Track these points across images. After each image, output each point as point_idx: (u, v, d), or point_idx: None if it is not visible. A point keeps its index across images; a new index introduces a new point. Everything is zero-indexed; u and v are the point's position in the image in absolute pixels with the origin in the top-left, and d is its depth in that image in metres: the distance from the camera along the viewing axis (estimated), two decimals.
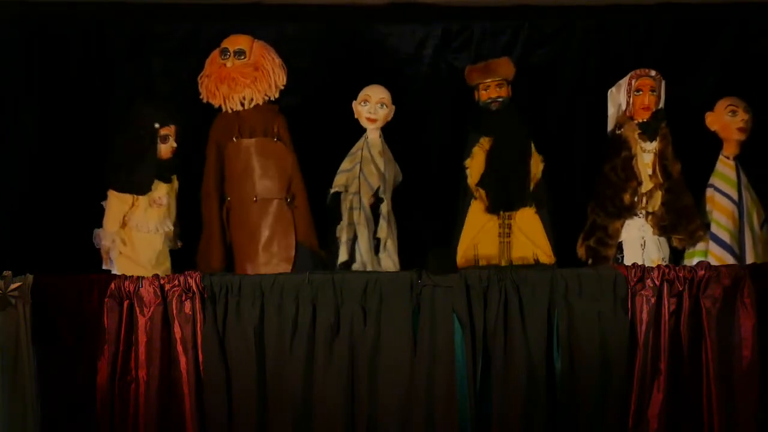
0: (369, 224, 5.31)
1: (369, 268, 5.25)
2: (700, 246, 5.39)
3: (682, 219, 5.36)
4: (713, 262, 5.20)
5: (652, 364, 4.91)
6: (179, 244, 5.42)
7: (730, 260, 5.30)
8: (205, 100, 5.38)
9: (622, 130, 5.44)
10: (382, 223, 5.34)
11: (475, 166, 5.45)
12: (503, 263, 5.36)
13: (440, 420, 4.84)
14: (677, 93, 5.59)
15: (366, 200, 5.34)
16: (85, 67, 5.76)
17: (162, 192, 5.27)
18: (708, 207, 5.44)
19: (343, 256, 5.26)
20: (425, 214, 5.75)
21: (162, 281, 4.91)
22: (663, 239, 5.40)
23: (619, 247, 5.40)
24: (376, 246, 5.33)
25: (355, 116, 5.45)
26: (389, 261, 5.31)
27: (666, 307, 4.93)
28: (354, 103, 5.44)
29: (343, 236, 5.29)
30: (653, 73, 5.44)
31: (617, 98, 5.51)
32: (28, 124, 5.70)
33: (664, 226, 5.37)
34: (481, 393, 4.88)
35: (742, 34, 5.90)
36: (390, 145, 5.46)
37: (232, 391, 4.90)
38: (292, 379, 4.89)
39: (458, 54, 5.92)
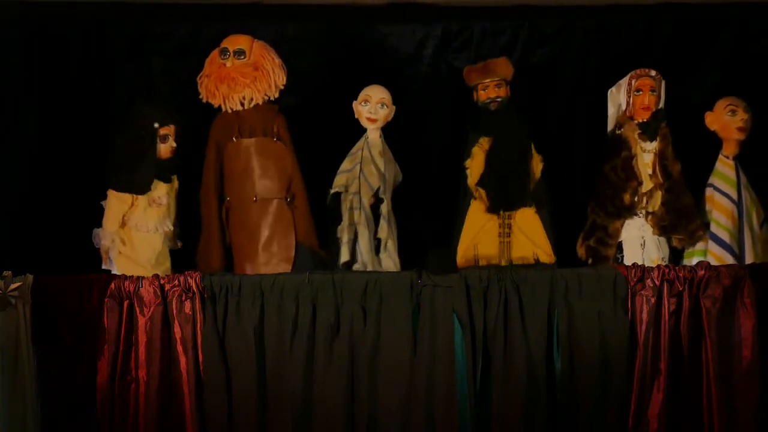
0: (369, 224, 5.32)
1: (370, 268, 5.25)
2: (700, 245, 5.39)
3: (682, 219, 5.36)
4: (713, 261, 5.20)
5: (652, 364, 4.91)
6: (179, 244, 5.42)
7: (729, 260, 5.30)
8: (204, 100, 5.38)
9: (622, 130, 5.44)
10: (383, 224, 5.34)
11: (475, 166, 5.45)
12: (503, 263, 5.36)
13: (440, 420, 4.84)
14: (677, 93, 5.59)
15: (366, 200, 5.34)
16: (85, 67, 5.76)
17: (161, 192, 5.27)
18: (707, 206, 5.44)
19: (344, 256, 5.26)
20: (425, 214, 5.75)
21: (162, 281, 4.91)
22: (663, 239, 5.40)
23: (619, 247, 5.41)
24: (376, 246, 5.33)
25: (356, 116, 5.45)
26: (390, 261, 5.31)
27: (666, 307, 4.93)
28: (354, 103, 5.44)
29: (345, 236, 5.29)
30: (653, 73, 5.45)
31: (617, 98, 5.51)
32: (28, 124, 5.70)
33: (664, 226, 5.37)
34: (481, 393, 4.88)
35: (742, 34, 5.91)
36: (390, 145, 5.46)
37: (232, 391, 4.90)
38: (292, 379, 4.89)
39: (458, 54, 5.92)
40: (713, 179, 5.46)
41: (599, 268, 5.12)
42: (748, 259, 5.35)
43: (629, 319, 4.92)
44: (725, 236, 5.38)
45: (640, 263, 5.08)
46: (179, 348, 4.90)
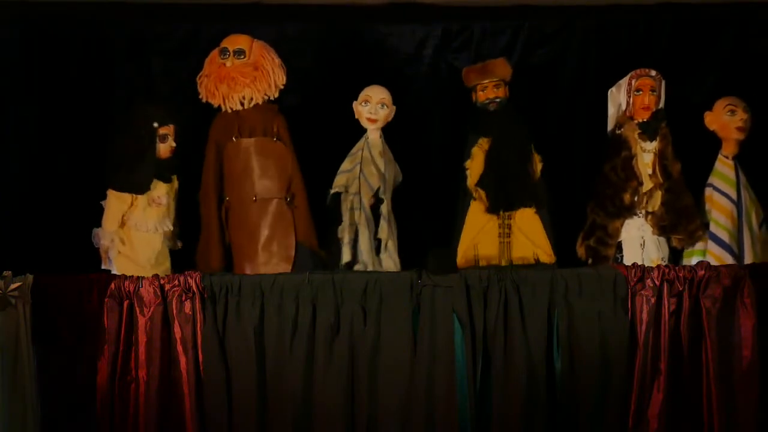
0: (369, 225, 5.31)
1: (370, 269, 5.25)
2: (699, 245, 5.40)
3: (681, 219, 5.36)
4: (712, 261, 5.20)
5: (652, 364, 4.91)
6: (179, 244, 5.42)
7: (728, 260, 5.30)
8: (204, 100, 5.38)
9: (622, 129, 5.44)
10: (383, 224, 5.34)
11: (474, 166, 5.45)
12: (503, 263, 5.36)
13: (440, 420, 4.84)
14: (677, 93, 5.59)
15: (366, 201, 5.34)
16: (85, 67, 5.76)
17: (161, 191, 5.27)
18: (707, 206, 5.44)
19: (346, 256, 5.26)
20: (425, 214, 5.75)
21: (162, 281, 4.91)
22: (662, 239, 5.40)
23: (619, 247, 5.41)
24: (376, 246, 5.33)
25: (356, 116, 5.45)
26: (390, 261, 5.31)
27: (666, 307, 4.93)
28: (354, 104, 5.44)
29: (346, 237, 5.28)
30: (653, 73, 5.45)
31: (617, 98, 5.51)
32: (28, 124, 5.70)
33: (663, 226, 5.37)
34: (481, 393, 4.87)
35: (742, 34, 5.91)
36: (390, 145, 5.46)
37: (232, 391, 4.90)
38: (292, 379, 4.88)
39: (458, 54, 5.92)
40: (712, 179, 5.46)
41: (599, 268, 5.12)
42: (748, 259, 5.35)
43: (629, 319, 4.92)
44: (724, 236, 5.38)
45: (639, 263, 5.08)
46: (179, 348, 4.90)
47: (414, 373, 4.87)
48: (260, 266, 5.27)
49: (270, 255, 5.30)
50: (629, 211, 5.39)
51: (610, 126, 5.54)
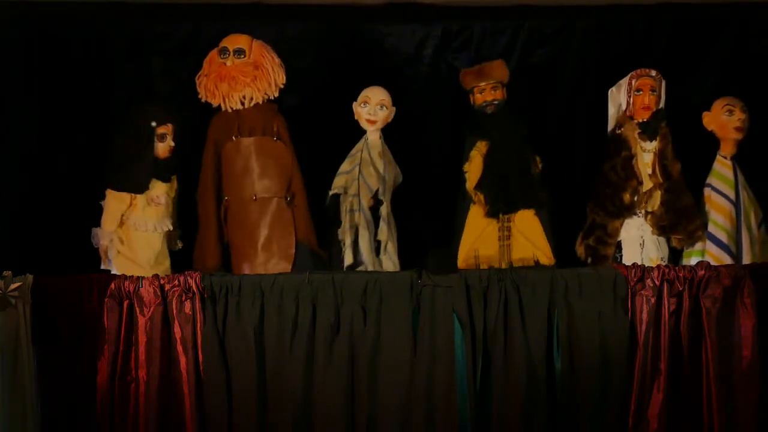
0: (369, 226, 5.31)
1: (370, 270, 5.25)
2: (698, 245, 5.40)
3: (681, 219, 5.36)
4: (710, 261, 5.19)
5: (652, 364, 4.91)
6: (179, 245, 5.41)
7: (727, 260, 5.31)
8: (203, 100, 5.38)
9: (622, 129, 5.44)
10: (382, 225, 5.34)
11: (473, 169, 5.44)
12: (503, 266, 5.35)
13: (440, 420, 4.83)
14: (677, 93, 5.59)
15: (365, 202, 5.34)
16: (85, 67, 5.76)
17: (160, 191, 5.26)
18: (705, 207, 5.44)
19: (348, 259, 5.26)
20: (425, 214, 5.75)
21: (162, 281, 4.91)
22: (662, 239, 5.40)
23: (618, 246, 5.41)
24: (376, 248, 5.32)
25: (355, 117, 5.45)
26: (390, 263, 5.31)
27: (666, 307, 4.92)
28: (354, 105, 5.44)
29: (347, 239, 5.28)
30: (654, 72, 5.45)
31: (617, 98, 5.51)
32: (28, 124, 5.70)
33: (663, 226, 5.37)
34: (481, 393, 4.87)
35: (742, 34, 5.91)
36: (390, 145, 5.46)
37: (232, 391, 4.90)
38: (292, 379, 4.88)
39: (458, 54, 5.92)
40: (711, 179, 5.47)
41: (599, 268, 5.12)
42: (746, 259, 5.35)
43: (629, 319, 4.92)
44: (723, 236, 5.38)
45: (639, 263, 5.08)
46: (179, 348, 4.89)
47: (414, 373, 4.87)
48: (260, 266, 5.27)
49: (270, 254, 5.30)
50: (629, 210, 5.39)
51: (610, 126, 5.54)
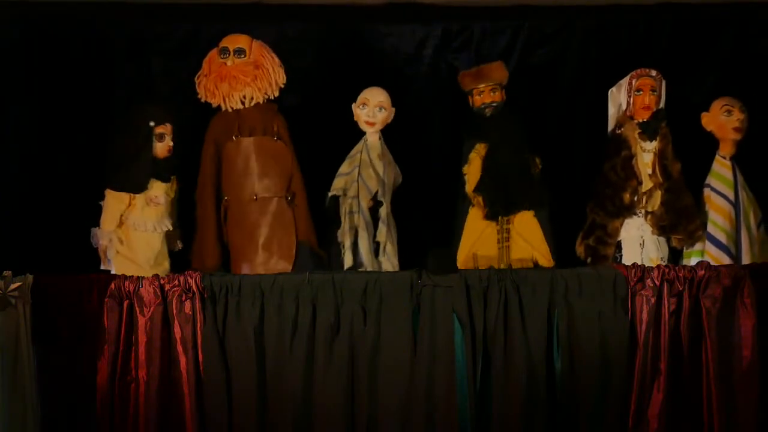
0: (368, 228, 5.31)
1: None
2: (697, 246, 5.40)
3: (681, 219, 5.36)
4: (710, 262, 5.19)
5: (652, 364, 4.91)
6: (180, 245, 5.41)
7: (726, 261, 5.30)
8: (203, 100, 5.38)
9: (623, 129, 5.44)
10: (381, 227, 5.33)
11: (472, 172, 5.44)
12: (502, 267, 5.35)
13: (440, 420, 4.83)
14: (677, 93, 5.59)
15: (365, 204, 5.33)
16: (85, 67, 5.76)
17: (159, 191, 5.25)
18: (705, 207, 5.44)
19: (348, 261, 5.25)
20: (425, 214, 5.75)
21: (162, 281, 4.91)
22: (662, 239, 5.40)
23: (618, 246, 5.41)
24: (375, 249, 5.32)
25: (355, 119, 5.44)
26: (389, 265, 5.30)
27: (666, 307, 4.92)
28: (353, 106, 5.43)
29: (346, 241, 5.28)
30: (654, 72, 5.45)
31: (618, 98, 5.51)
32: (28, 124, 5.70)
33: (663, 226, 5.37)
34: (481, 393, 4.87)
35: (742, 34, 5.91)
36: (390, 145, 5.46)
37: (232, 391, 4.90)
38: (292, 379, 4.88)
39: (458, 54, 5.92)
40: (710, 180, 5.47)
41: (599, 268, 5.12)
42: (745, 260, 5.35)
43: (629, 319, 4.92)
44: (722, 237, 5.38)
45: (638, 263, 5.08)
46: (179, 348, 4.89)
47: (414, 373, 4.87)
48: (260, 265, 5.27)
49: (270, 254, 5.30)
50: (629, 210, 5.39)
51: (610, 126, 5.54)
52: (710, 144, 5.50)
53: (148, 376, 4.87)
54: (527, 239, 5.39)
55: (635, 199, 5.38)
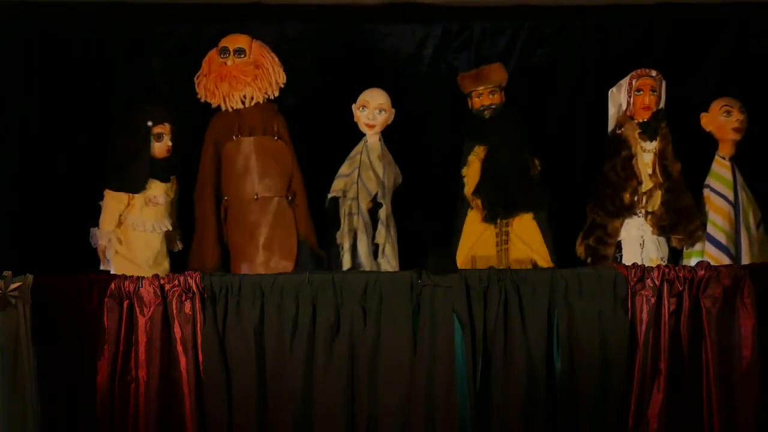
0: (368, 230, 5.31)
1: None
2: (697, 246, 5.40)
3: (681, 219, 5.36)
4: (709, 263, 5.19)
5: (652, 364, 4.91)
6: (180, 245, 5.41)
7: (725, 261, 5.30)
8: (203, 100, 5.38)
9: (623, 129, 5.44)
10: (381, 229, 5.33)
11: (471, 174, 5.44)
12: None
13: (440, 420, 4.83)
14: (677, 93, 5.59)
15: (364, 206, 5.33)
16: (85, 67, 5.76)
17: (158, 191, 5.25)
18: (705, 207, 5.44)
19: (347, 263, 5.25)
20: (425, 214, 5.75)
21: (162, 281, 4.91)
22: (662, 239, 5.40)
23: (618, 246, 5.41)
24: (374, 251, 5.32)
25: (355, 120, 5.44)
26: (388, 266, 5.30)
27: (666, 307, 4.92)
28: (353, 107, 5.43)
29: (345, 243, 5.27)
30: (654, 73, 5.45)
31: (618, 98, 5.51)
32: (29, 123, 5.70)
33: (663, 226, 5.37)
34: (481, 393, 4.87)
35: (742, 34, 5.91)
36: (389, 146, 5.46)
37: (232, 391, 4.90)
38: (292, 379, 4.88)
39: (458, 54, 5.92)
40: (709, 180, 5.47)
41: (599, 268, 5.12)
42: (745, 260, 5.35)
43: (629, 319, 4.92)
44: (722, 237, 5.38)
45: (639, 263, 5.08)
46: (179, 348, 4.89)
47: (414, 373, 4.87)
48: (261, 265, 5.27)
49: (271, 253, 5.30)
50: (629, 210, 5.39)
51: (610, 126, 5.54)
52: (710, 144, 5.50)
53: (148, 376, 4.86)
54: (526, 242, 5.39)
55: (635, 199, 5.38)
